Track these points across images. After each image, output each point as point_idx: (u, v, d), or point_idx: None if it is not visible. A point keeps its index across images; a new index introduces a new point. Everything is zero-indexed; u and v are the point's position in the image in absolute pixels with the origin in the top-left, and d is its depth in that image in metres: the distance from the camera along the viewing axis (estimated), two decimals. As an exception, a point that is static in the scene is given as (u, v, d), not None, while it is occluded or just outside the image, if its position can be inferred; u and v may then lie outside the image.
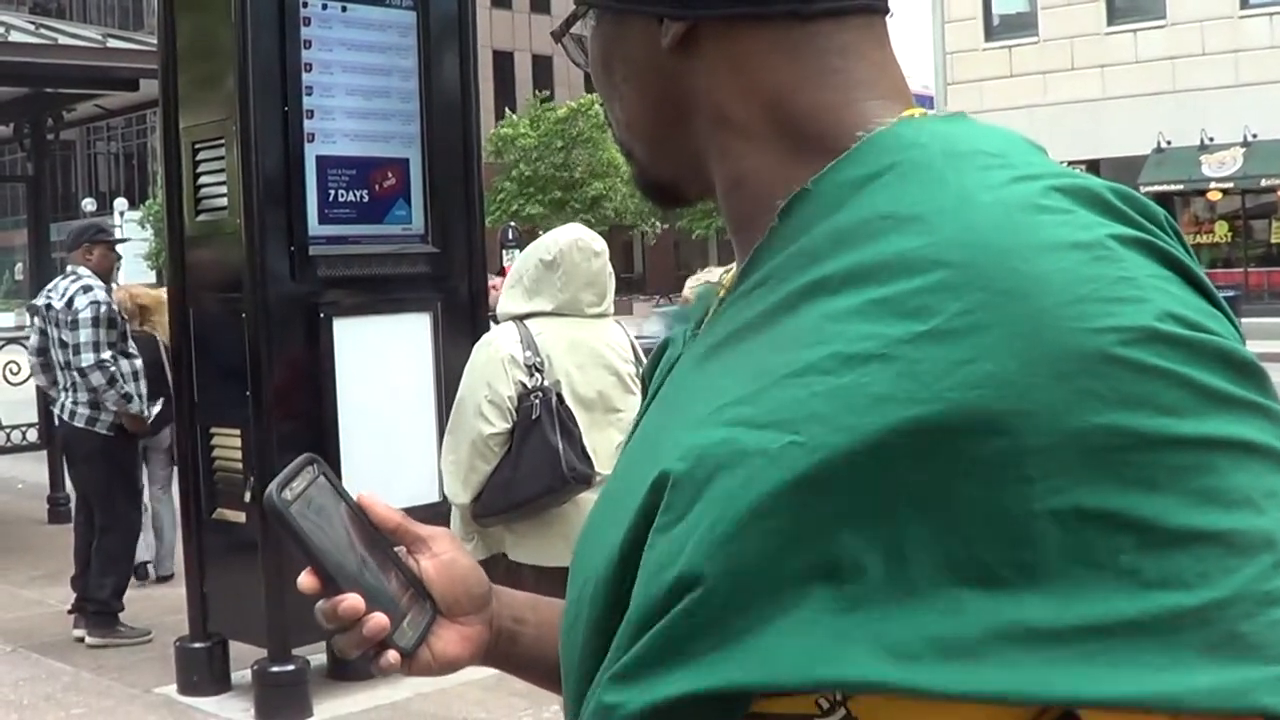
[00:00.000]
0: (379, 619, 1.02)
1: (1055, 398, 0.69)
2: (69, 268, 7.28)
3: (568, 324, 4.27)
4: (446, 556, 1.10)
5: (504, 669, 1.18)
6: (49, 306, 7.11)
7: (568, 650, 0.90)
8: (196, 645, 5.96)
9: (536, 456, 4.09)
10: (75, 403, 7.02)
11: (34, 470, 10.72)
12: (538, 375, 4.15)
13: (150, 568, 8.00)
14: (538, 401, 4.12)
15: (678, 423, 0.82)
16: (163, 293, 7.78)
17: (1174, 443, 0.69)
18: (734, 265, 1.02)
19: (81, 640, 6.86)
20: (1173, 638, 0.67)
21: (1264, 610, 0.67)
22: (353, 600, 1.01)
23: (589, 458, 4.11)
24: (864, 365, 0.73)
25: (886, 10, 0.92)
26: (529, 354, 4.16)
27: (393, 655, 1.04)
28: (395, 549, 1.08)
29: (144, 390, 7.20)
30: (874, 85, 0.89)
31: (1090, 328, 0.70)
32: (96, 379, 6.88)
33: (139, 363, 7.22)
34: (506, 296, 4.40)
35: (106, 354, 6.94)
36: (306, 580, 1.03)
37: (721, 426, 0.76)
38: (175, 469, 7.97)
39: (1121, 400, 0.69)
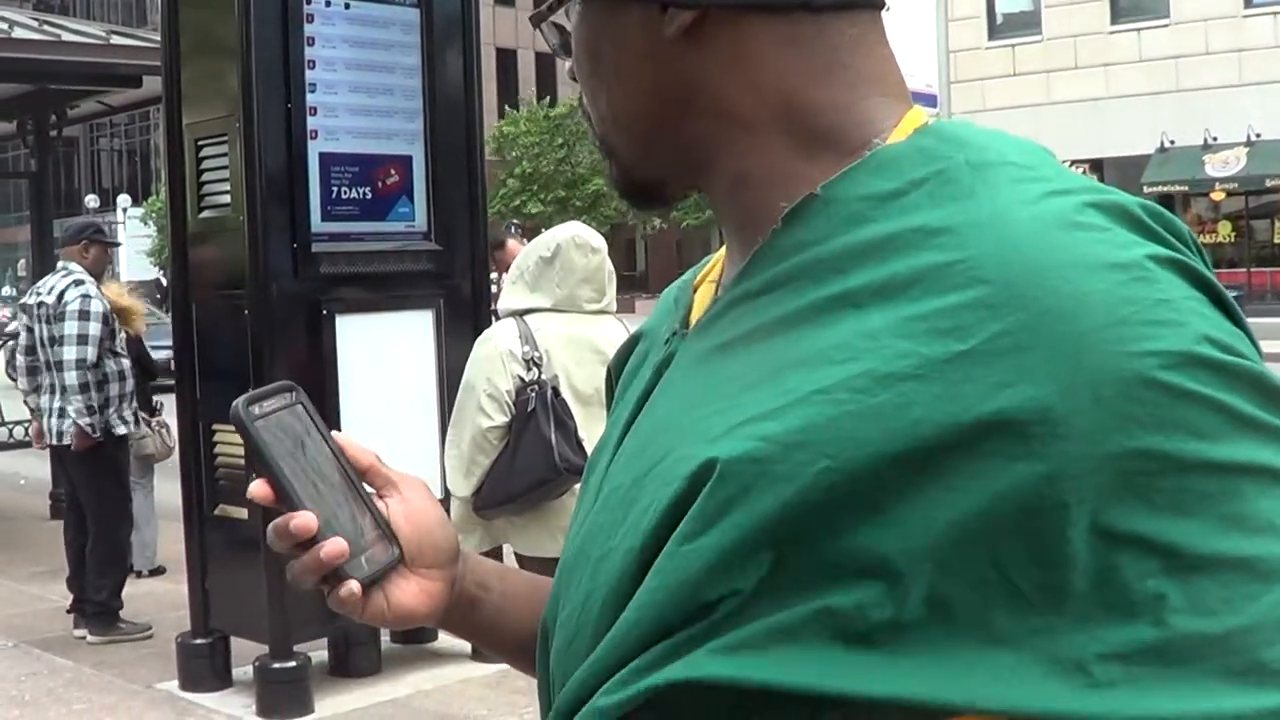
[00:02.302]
0: (338, 543, 0.97)
1: (1093, 422, 0.69)
2: (60, 264, 7.22)
3: (566, 320, 4.31)
4: (417, 504, 1.06)
5: (458, 633, 1.16)
6: (40, 304, 7.01)
7: (565, 665, 0.87)
8: (198, 641, 5.96)
9: (532, 449, 4.14)
10: (61, 411, 6.89)
11: (36, 466, 10.72)
12: (535, 370, 4.19)
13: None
14: (533, 395, 4.17)
15: (691, 431, 0.80)
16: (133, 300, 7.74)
17: (1204, 467, 0.69)
18: (712, 259, 1.01)
19: (83, 639, 6.86)
20: (1196, 665, 0.67)
21: None
22: (304, 518, 0.96)
23: (584, 450, 4.14)
24: (900, 385, 0.72)
25: (884, 6, 0.90)
26: (527, 349, 4.20)
27: (355, 585, 0.99)
28: (368, 491, 1.05)
29: (129, 389, 7.14)
30: (879, 82, 0.87)
31: (1130, 351, 0.70)
32: (71, 378, 6.76)
33: (126, 363, 7.13)
34: (508, 292, 4.45)
35: (91, 351, 6.81)
36: (259, 488, 0.98)
37: (748, 441, 0.75)
38: (153, 465, 7.99)
39: (1158, 424, 0.69)
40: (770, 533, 0.73)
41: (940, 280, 0.74)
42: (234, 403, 0.97)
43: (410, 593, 1.04)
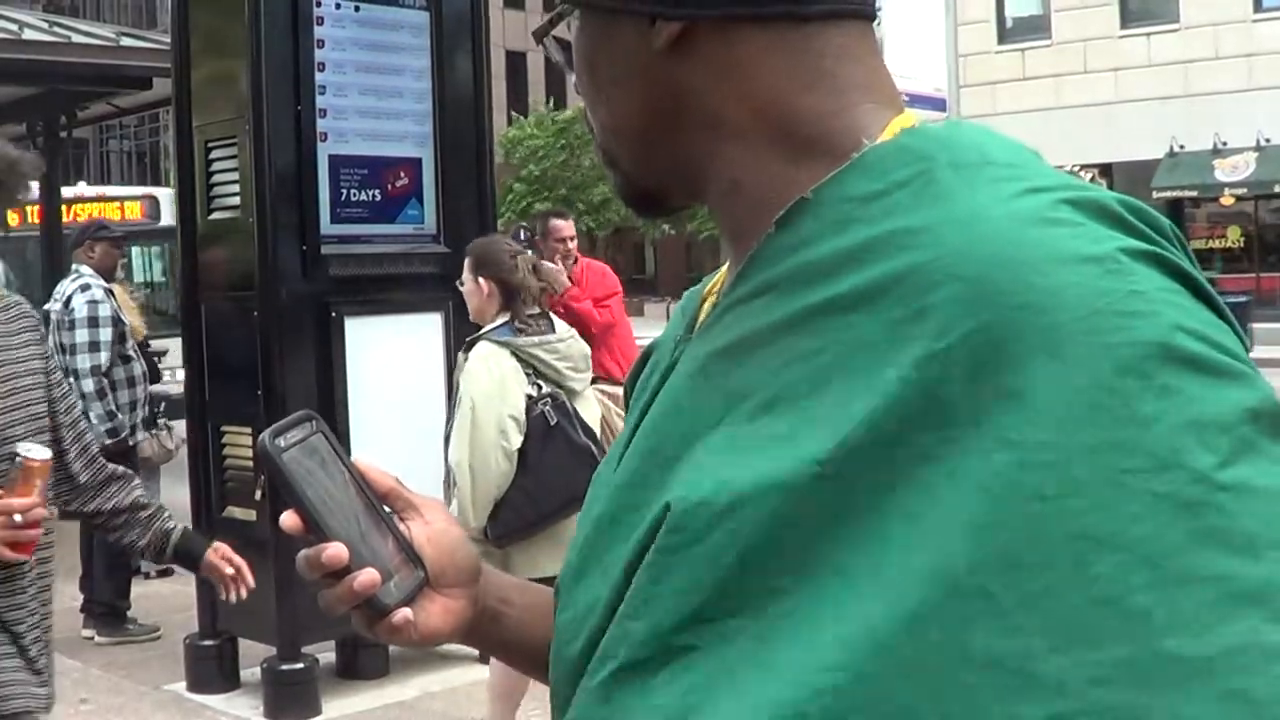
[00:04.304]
0: (370, 573, 0.98)
1: (1070, 415, 0.69)
2: (73, 266, 7.22)
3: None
4: (438, 526, 1.08)
5: (483, 649, 1.17)
6: (53, 311, 6.99)
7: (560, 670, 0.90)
8: (206, 643, 5.98)
9: (562, 461, 4.07)
10: None
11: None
12: (538, 385, 4.16)
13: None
14: (547, 409, 4.12)
15: (698, 446, 0.82)
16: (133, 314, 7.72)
17: (1183, 469, 0.68)
18: (723, 269, 1.01)
19: (91, 639, 6.87)
20: (1178, 690, 0.65)
21: (1267, 664, 0.65)
22: (336, 549, 0.97)
23: None
24: (890, 390, 0.73)
25: (874, 17, 0.91)
26: (524, 364, 4.18)
27: (407, 613, 1.01)
28: (390, 514, 1.07)
29: (139, 395, 7.12)
30: (868, 89, 0.88)
31: (1104, 342, 0.70)
32: (88, 385, 6.73)
33: (137, 368, 7.11)
34: (488, 315, 4.42)
35: (104, 356, 6.79)
36: (289, 520, 0.99)
37: (771, 468, 0.76)
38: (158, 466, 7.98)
39: (1133, 419, 0.68)
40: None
41: (918, 280, 0.75)
42: (260, 437, 0.99)
43: (435, 613, 1.06)
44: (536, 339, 4.27)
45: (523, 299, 4.35)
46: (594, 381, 4.67)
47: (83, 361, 6.77)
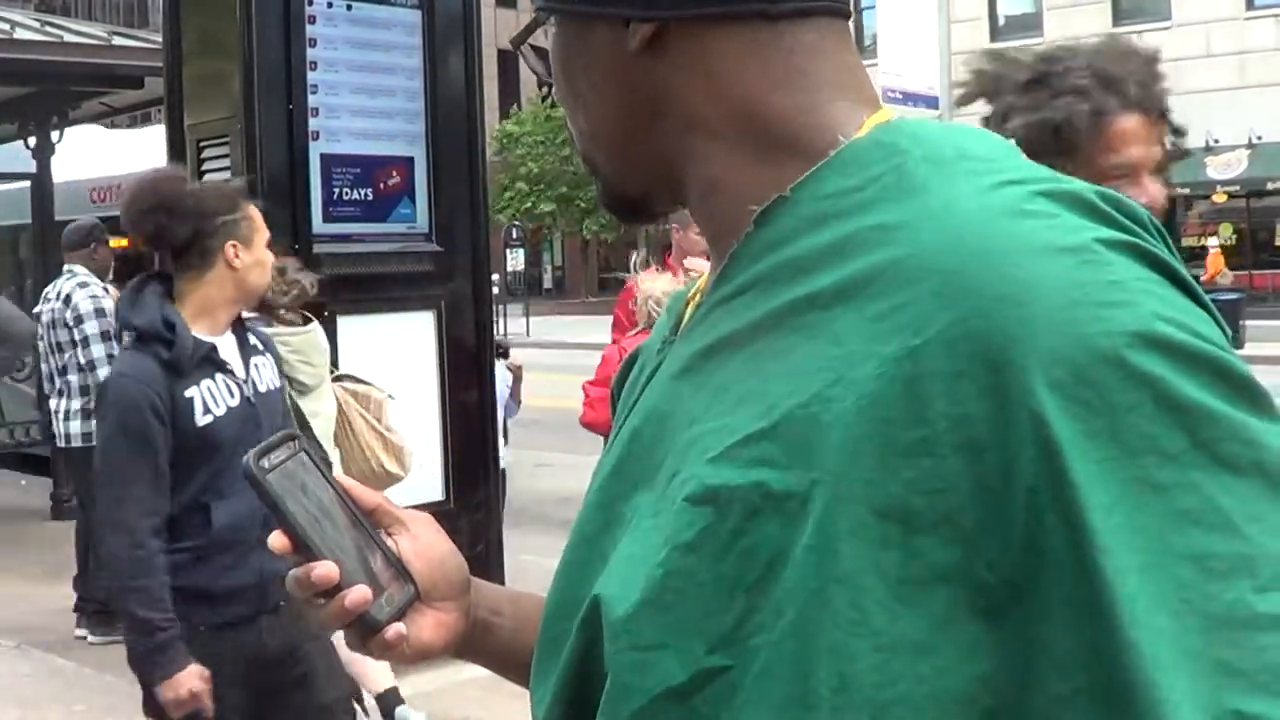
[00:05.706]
0: (361, 590, 0.99)
1: (1048, 407, 0.69)
2: (66, 267, 7.23)
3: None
4: (426, 539, 1.08)
5: (476, 661, 1.17)
6: (47, 310, 7.03)
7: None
8: (199, 642, 5.96)
9: None
10: (69, 413, 6.92)
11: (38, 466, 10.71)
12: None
13: None
14: None
15: (680, 448, 0.82)
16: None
17: (1158, 454, 0.68)
18: (704, 275, 1.02)
19: (84, 639, 6.86)
20: (1164, 672, 0.65)
21: (1248, 635, 0.66)
22: (326, 568, 0.98)
23: None
24: (867, 388, 0.73)
25: (848, 14, 0.91)
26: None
27: (400, 628, 1.01)
28: (377, 530, 1.07)
29: None
30: (841, 86, 0.88)
31: (1083, 333, 0.69)
32: (104, 374, 6.74)
33: None
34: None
35: (116, 346, 6.78)
36: (277, 540, 1.00)
37: (745, 466, 0.76)
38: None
39: (1109, 408, 0.68)
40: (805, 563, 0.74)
41: (895, 275, 0.75)
42: (244, 458, 0.99)
43: (427, 627, 1.06)
44: (268, 331, 4.44)
45: (271, 301, 4.55)
46: (341, 379, 4.96)
47: (98, 350, 6.87)
